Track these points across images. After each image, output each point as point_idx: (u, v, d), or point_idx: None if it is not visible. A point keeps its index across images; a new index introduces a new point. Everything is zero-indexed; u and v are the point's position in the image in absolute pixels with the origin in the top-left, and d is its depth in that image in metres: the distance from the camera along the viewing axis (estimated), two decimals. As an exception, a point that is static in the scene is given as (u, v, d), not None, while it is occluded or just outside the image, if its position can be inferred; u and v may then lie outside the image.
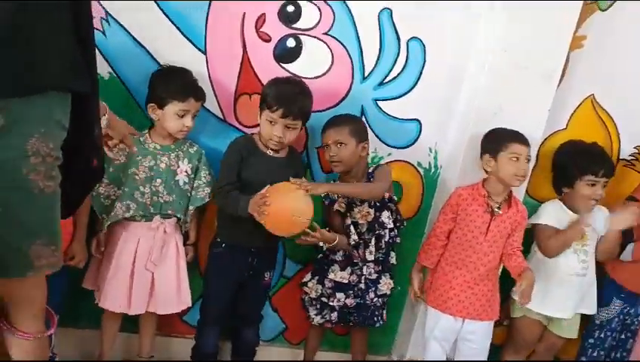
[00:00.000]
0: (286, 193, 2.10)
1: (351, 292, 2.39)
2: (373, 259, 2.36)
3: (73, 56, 1.25)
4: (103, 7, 2.16)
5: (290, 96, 2.15)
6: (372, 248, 2.35)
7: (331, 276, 2.38)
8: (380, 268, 2.41)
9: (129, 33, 2.21)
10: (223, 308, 2.36)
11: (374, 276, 2.40)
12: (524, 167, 2.27)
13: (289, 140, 2.21)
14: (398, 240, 2.43)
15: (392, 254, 2.45)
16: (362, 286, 2.39)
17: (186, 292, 2.31)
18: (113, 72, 2.23)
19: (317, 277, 2.43)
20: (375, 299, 2.42)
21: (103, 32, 2.18)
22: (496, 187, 2.32)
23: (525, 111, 2.38)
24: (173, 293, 2.27)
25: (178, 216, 2.27)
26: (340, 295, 2.39)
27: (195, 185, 2.27)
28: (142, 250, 2.20)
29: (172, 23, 2.22)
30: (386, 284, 2.43)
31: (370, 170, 2.38)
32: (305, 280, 2.47)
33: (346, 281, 2.38)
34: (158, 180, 2.21)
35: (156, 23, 2.21)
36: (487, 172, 2.33)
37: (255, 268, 2.33)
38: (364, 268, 2.38)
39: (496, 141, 2.31)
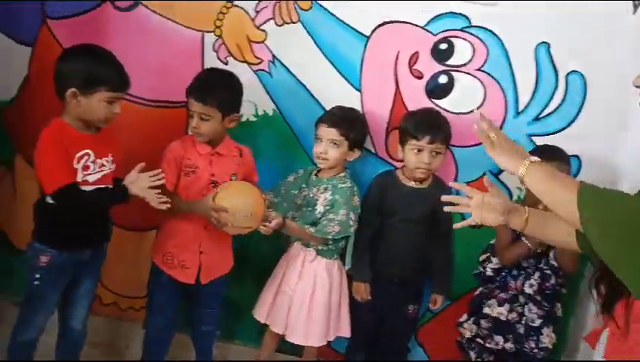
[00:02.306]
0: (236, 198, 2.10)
1: (510, 336, 2.27)
2: (532, 292, 2.24)
3: None
4: (270, 51, 2.39)
5: (433, 123, 2.25)
6: (534, 281, 2.24)
7: (487, 310, 2.29)
8: (545, 314, 2.27)
9: (291, 73, 2.41)
10: (364, 335, 2.41)
11: (537, 323, 2.26)
12: None
13: (436, 166, 2.28)
14: (564, 290, 2.31)
15: (558, 305, 2.31)
16: (522, 331, 2.27)
17: (317, 333, 2.29)
18: (277, 108, 2.45)
19: (473, 318, 2.37)
20: (535, 351, 2.27)
21: (270, 73, 2.41)
22: None
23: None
24: (302, 325, 2.28)
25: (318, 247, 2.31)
26: (497, 337, 2.29)
27: (328, 217, 2.24)
28: (289, 272, 2.33)
29: (330, 63, 2.38)
30: (548, 337, 2.27)
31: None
32: (461, 320, 2.42)
33: (504, 319, 2.27)
34: (304, 208, 2.33)
35: (316, 63, 2.38)
36: None
37: (396, 298, 2.35)
38: (526, 307, 2.27)
39: None
